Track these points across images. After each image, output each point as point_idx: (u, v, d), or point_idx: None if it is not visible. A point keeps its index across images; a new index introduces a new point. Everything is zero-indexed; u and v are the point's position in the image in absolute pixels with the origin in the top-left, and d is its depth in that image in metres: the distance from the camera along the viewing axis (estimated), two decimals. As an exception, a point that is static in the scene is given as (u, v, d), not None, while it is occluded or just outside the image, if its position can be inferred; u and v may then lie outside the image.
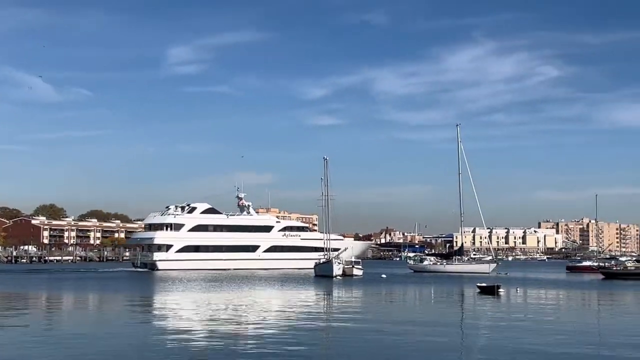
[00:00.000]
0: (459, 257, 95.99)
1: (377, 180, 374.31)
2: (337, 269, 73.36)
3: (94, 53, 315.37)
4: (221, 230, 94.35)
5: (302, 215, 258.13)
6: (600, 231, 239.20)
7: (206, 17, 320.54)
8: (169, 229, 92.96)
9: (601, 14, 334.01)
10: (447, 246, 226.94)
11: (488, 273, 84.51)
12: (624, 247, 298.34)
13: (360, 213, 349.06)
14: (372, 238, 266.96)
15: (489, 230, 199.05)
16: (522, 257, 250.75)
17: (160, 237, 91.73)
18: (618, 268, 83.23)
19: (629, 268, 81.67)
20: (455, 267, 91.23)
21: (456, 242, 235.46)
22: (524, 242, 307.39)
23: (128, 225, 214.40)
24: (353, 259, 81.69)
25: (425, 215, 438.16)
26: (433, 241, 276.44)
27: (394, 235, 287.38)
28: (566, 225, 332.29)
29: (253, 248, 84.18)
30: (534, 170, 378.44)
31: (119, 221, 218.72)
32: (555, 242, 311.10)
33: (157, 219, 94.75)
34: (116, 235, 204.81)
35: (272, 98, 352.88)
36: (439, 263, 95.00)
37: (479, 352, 21.24)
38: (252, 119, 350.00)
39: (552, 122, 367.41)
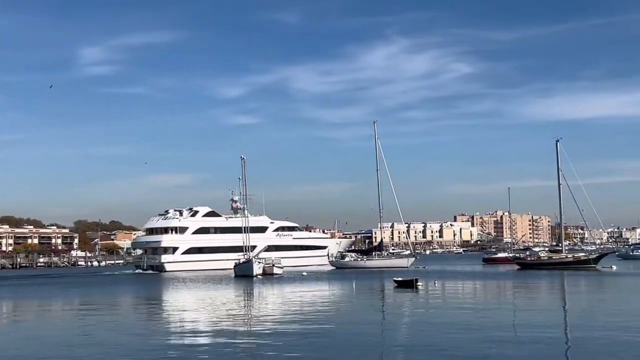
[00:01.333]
0: (379, 253, 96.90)
1: (296, 179, 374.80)
2: (257, 269, 72.73)
3: (3, 55, 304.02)
4: (221, 232, 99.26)
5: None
6: (513, 223, 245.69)
7: (119, 17, 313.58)
8: (174, 232, 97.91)
9: (510, 11, 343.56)
10: (367, 242, 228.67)
11: (407, 267, 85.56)
12: (536, 238, 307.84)
13: (280, 211, 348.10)
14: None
15: (406, 225, 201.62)
16: (439, 250, 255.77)
17: (167, 240, 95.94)
18: (532, 258, 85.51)
19: (542, 258, 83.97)
20: (375, 262, 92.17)
21: (375, 237, 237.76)
22: (440, 236, 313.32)
23: (42, 230, 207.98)
24: (273, 258, 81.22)
25: (345, 212, 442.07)
26: (353, 237, 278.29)
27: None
28: (481, 218, 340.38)
29: (251, 248, 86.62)
30: (449, 165, 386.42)
31: (32, 227, 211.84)
32: (471, 235, 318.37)
33: (162, 222, 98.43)
34: (29, 241, 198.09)
35: (189, 98, 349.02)
36: (359, 259, 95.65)
37: (399, 347, 20.93)
38: (169, 119, 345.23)
39: (465, 117, 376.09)
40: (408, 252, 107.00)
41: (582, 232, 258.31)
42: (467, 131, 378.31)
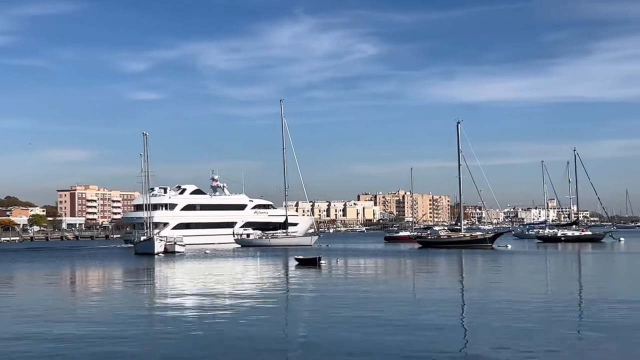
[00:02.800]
0: (283, 231, 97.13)
1: (201, 156, 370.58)
2: (159, 246, 71.51)
3: None
4: (207, 209, 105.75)
5: (123, 192, 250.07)
6: (415, 202, 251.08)
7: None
8: (163, 208, 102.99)
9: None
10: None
11: (310, 245, 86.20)
12: (436, 217, 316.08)
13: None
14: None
15: (311, 203, 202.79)
16: (343, 229, 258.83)
17: (158, 216, 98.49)
18: (433, 237, 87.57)
19: (442, 237, 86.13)
20: (279, 240, 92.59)
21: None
22: (344, 215, 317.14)
23: None
24: (175, 236, 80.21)
25: (251, 190, 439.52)
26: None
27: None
28: (383, 197, 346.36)
29: (232, 224, 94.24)
30: (353, 145, 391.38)
31: None
32: (374, 214, 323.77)
33: (154, 199, 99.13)
34: None
35: (90, 72, 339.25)
36: (264, 237, 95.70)
37: (301, 323, 20.90)
38: (68, 93, 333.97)
39: (369, 98, 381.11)
40: (312, 230, 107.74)
41: (480, 212, 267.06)
42: (371, 112, 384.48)
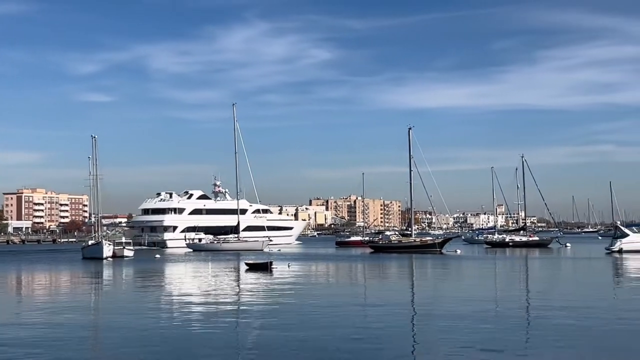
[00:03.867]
0: (235, 235, 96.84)
1: (151, 160, 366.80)
2: (108, 251, 70.44)
3: None
4: (212, 213, 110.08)
5: (72, 195, 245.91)
6: (366, 207, 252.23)
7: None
8: (172, 212, 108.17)
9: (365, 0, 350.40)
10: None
11: (262, 250, 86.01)
12: (387, 222, 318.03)
13: (134, 193, 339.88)
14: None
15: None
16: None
17: (168, 219, 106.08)
18: (384, 242, 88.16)
19: (393, 241, 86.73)
20: (231, 244, 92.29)
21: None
22: (296, 219, 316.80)
23: None
24: (124, 240, 79.13)
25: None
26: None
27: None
28: (335, 202, 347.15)
29: (234, 228, 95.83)
30: (306, 150, 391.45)
31: None
32: (325, 219, 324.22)
33: (160, 204, 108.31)
34: None
35: (39, 73, 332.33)
36: (215, 241, 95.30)
37: (247, 328, 20.88)
38: (17, 94, 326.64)
39: (322, 103, 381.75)
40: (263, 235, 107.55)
41: (430, 217, 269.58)
42: (324, 116, 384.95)
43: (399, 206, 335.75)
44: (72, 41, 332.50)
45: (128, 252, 73.38)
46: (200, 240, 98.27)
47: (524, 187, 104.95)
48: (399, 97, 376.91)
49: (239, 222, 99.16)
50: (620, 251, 65.99)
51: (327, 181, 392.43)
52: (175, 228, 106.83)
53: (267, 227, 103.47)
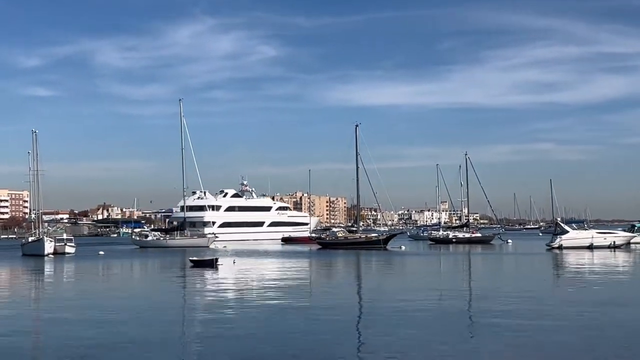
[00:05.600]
0: (181, 232, 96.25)
1: (95, 155, 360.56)
2: (49, 247, 69.11)
3: None
4: (243, 210, 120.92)
5: (12, 191, 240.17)
6: (312, 204, 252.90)
7: None
8: (210, 209, 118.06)
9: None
10: (167, 221, 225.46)
11: (207, 246, 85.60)
12: (333, 219, 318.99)
13: (76, 189, 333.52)
14: (89, 214, 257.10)
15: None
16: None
17: (208, 215, 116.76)
18: (331, 238, 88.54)
19: (339, 238, 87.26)
20: (177, 241, 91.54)
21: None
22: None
23: None
24: (65, 237, 77.85)
25: (145, 190, 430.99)
26: (153, 216, 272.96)
27: (112, 211, 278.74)
28: (281, 198, 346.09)
29: (261, 224, 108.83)
30: (252, 146, 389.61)
31: None
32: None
33: (199, 201, 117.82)
34: None
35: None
36: (162, 238, 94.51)
37: (190, 326, 20.83)
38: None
39: (269, 100, 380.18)
40: (209, 231, 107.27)
41: (375, 213, 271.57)
42: (271, 113, 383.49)
43: (345, 203, 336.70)
44: (15, 34, 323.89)
45: (69, 249, 72.12)
46: (146, 236, 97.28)
47: (467, 185, 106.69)
48: (346, 95, 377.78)
49: (184, 221, 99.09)
50: (560, 247, 67.61)
51: (273, 178, 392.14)
52: (214, 223, 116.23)
53: (288, 222, 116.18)
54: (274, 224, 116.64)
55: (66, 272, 47.53)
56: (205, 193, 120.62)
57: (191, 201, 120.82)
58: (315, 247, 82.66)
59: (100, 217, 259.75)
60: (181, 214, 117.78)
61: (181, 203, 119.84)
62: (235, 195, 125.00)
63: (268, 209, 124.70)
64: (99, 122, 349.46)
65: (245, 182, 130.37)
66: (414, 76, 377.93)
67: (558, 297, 27.21)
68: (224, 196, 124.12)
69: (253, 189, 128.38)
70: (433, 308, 23.50)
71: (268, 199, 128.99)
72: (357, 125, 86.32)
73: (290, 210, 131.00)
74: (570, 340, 16.95)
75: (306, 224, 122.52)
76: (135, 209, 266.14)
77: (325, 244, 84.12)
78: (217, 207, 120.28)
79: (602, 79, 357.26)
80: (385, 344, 16.48)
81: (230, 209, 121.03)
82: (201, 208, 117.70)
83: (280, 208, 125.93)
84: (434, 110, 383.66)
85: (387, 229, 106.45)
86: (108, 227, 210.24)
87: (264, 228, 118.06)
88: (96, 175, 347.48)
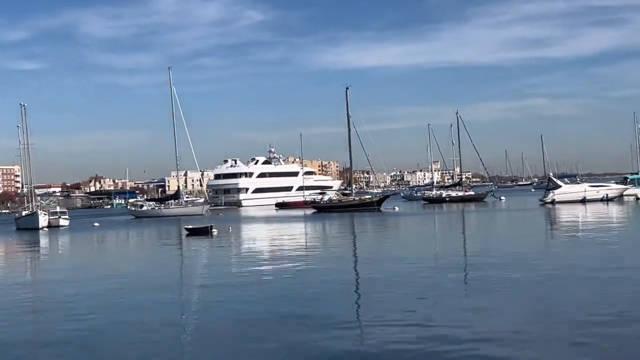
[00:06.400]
0: (176, 201, 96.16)
1: (84, 127, 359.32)
2: (43, 221, 69.08)
3: None
4: (273, 176, 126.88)
5: (3, 166, 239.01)
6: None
7: None
8: (243, 176, 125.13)
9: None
10: (160, 191, 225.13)
11: (202, 214, 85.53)
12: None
13: (68, 161, 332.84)
14: (82, 187, 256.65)
15: (200, 172, 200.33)
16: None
17: (242, 182, 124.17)
18: (326, 201, 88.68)
19: (333, 201, 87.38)
20: (171, 210, 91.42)
21: (169, 186, 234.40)
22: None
23: None
24: (59, 210, 77.75)
25: (137, 161, 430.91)
26: (145, 187, 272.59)
27: (104, 182, 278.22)
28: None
29: (290, 188, 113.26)
30: (243, 112, 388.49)
31: None
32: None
33: (232, 169, 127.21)
34: None
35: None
36: (157, 207, 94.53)
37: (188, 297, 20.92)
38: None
39: (258, 65, 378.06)
40: (202, 199, 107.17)
41: (367, 176, 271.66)
42: (260, 78, 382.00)
43: (337, 166, 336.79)
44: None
45: (64, 222, 72.13)
46: (141, 206, 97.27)
47: (459, 143, 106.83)
48: (335, 58, 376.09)
49: (178, 189, 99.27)
50: (553, 202, 67.97)
51: (265, 144, 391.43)
52: (247, 189, 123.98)
53: (314, 186, 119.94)
54: (301, 188, 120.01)
55: (61, 244, 47.57)
56: (236, 161, 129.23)
57: (224, 169, 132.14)
58: (310, 211, 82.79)
59: (92, 189, 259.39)
60: (216, 182, 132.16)
61: (215, 171, 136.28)
62: (265, 162, 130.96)
63: (295, 174, 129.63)
64: (87, 93, 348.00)
65: (273, 149, 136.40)
66: (402, 36, 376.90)
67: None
68: (255, 163, 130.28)
69: (280, 156, 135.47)
70: (428, 267, 23.61)
71: (295, 164, 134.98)
72: (347, 88, 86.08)
73: (316, 174, 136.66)
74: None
75: (331, 187, 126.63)
76: (128, 180, 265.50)
77: (319, 207, 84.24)
78: (250, 174, 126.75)
79: (591, 32, 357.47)
80: (381, 302, 16.60)
81: (261, 175, 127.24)
82: (234, 175, 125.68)
83: (306, 173, 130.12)
84: (423, 70, 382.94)
85: (380, 191, 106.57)
86: (101, 198, 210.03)
87: (293, 192, 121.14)
88: (87, 148, 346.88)
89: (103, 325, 15.44)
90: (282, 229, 53.42)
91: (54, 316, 17.12)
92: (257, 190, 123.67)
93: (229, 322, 15.27)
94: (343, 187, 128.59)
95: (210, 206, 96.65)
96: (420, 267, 22.90)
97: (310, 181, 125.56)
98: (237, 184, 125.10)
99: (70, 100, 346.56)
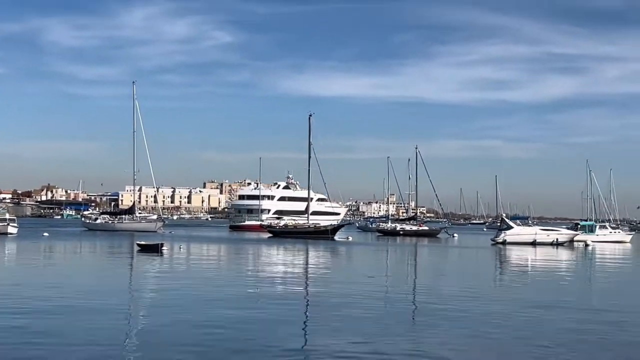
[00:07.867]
0: (130, 216, 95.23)
1: (41, 135, 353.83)
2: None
3: None
4: (291, 201, 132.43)
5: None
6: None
7: None
8: (266, 199, 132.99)
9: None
10: (113, 205, 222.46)
11: (155, 231, 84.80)
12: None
13: (20, 169, 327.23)
14: (33, 195, 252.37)
15: (155, 189, 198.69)
16: (187, 216, 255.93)
17: (265, 204, 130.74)
18: (282, 226, 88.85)
19: (289, 227, 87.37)
20: (124, 225, 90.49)
21: (122, 200, 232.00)
22: (189, 202, 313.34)
23: None
24: (8, 217, 76.37)
25: (92, 173, 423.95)
26: (98, 199, 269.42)
27: (56, 192, 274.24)
28: (230, 185, 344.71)
29: (305, 212, 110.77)
30: (204, 132, 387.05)
31: None
32: (219, 202, 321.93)
33: (256, 192, 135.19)
34: None
35: None
36: (110, 221, 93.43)
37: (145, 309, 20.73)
38: None
39: (222, 86, 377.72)
40: (156, 216, 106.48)
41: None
42: (224, 100, 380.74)
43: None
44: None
45: (12, 229, 70.74)
46: (95, 219, 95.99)
47: (417, 178, 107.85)
48: (299, 84, 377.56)
49: (133, 204, 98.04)
50: (504, 242, 68.85)
51: (224, 165, 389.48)
52: (269, 211, 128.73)
53: (325, 212, 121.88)
54: (314, 212, 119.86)
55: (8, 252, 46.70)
56: (258, 184, 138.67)
57: (248, 191, 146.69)
58: (265, 235, 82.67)
59: (44, 198, 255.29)
60: (240, 202, 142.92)
61: (241, 192, 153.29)
62: (285, 187, 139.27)
63: (310, 199, 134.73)
64: (46, 101, 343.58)
65: (290, 176, 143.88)
66: (367, 68, 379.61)
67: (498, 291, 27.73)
68: (277, 187, 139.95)
69: (298, 182, 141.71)
70: (376, 296, 23.74)
71: (310, 190, 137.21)
72: (310, 115, 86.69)
73: (327, 201, 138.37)
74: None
75: (338, 213, 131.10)
76: (80, 191, 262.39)
77: (275, 232, 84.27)
78: (272, 197, 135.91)
79: (551, 78, 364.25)
80: (326, 329, 16.67)
81: (281, 198, 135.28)
82: (257, 197, 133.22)
83: (319, 199, 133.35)
84: (386, 103, 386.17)
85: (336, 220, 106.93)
86: (52, 208, 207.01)
87: (306, 217, 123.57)
88: (41, 156, 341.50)
89: None
90: (234, 251, 53.18)
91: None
92: (277, 212, 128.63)
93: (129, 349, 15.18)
94: (347, 217, 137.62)
95: (164, 223, 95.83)
96: (366, 297, 23.01)
97: (322, 207, 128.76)
98: (260, 205, 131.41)
99: (28, 107, 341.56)
